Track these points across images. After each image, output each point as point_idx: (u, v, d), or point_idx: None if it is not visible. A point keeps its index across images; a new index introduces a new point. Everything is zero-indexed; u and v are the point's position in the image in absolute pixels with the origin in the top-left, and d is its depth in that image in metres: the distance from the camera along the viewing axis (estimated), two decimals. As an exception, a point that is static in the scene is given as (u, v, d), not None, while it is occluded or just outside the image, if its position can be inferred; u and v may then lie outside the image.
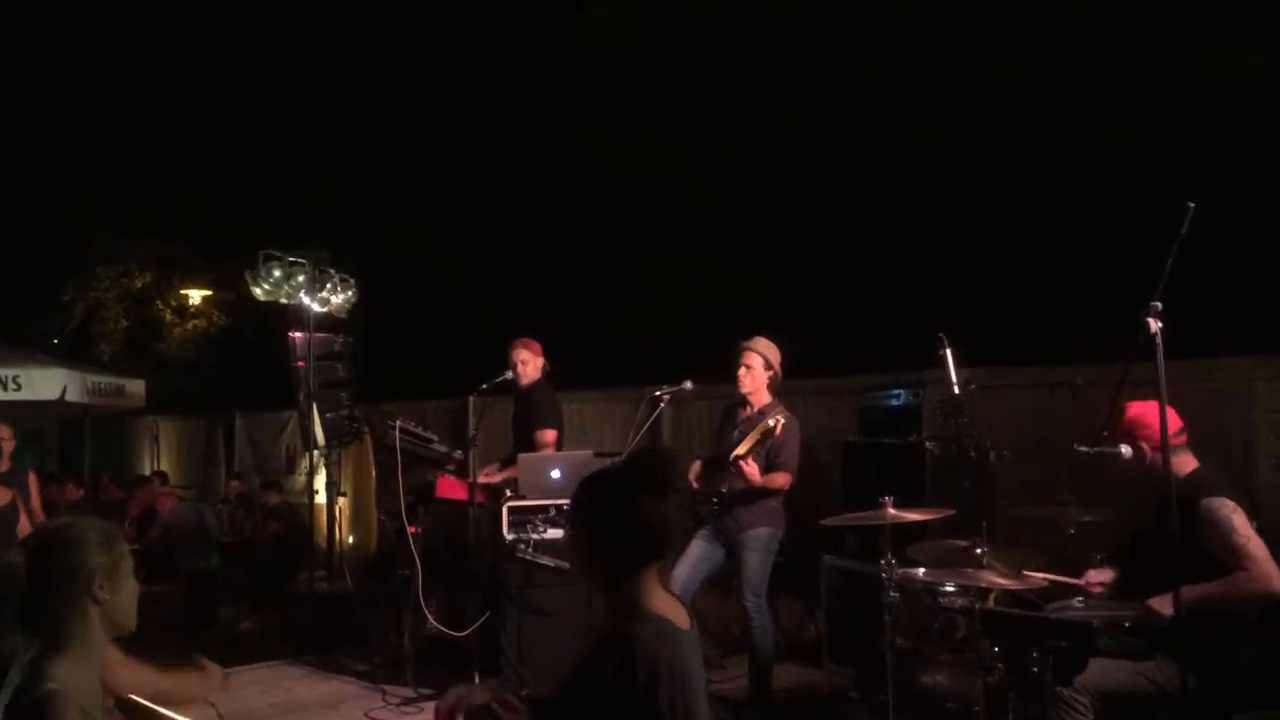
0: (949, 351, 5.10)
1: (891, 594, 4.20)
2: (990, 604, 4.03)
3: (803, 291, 10.59)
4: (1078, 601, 3.96)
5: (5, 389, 9.09)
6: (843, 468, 6.48)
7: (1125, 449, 3.83)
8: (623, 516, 2.26)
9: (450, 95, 15.65)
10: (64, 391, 9.37)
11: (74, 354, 15.52)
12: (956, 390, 5.09)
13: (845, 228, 10.72)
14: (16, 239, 18.16)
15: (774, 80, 11.63)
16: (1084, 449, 3.85)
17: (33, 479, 7.19)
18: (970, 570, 4.02)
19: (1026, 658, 3.56)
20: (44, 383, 9.32)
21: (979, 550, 4.07)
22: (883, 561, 4.27)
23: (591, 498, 2.34)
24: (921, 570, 4.32)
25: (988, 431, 5.96)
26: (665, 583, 2.34)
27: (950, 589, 4.16)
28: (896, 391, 6.31)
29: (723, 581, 6.19)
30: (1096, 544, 4.48)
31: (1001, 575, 3.92)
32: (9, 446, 7.14)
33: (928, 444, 5.85)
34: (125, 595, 2.36)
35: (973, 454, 5.53)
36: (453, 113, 15.64)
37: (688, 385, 6.22)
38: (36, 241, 18.08)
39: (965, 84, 9.89)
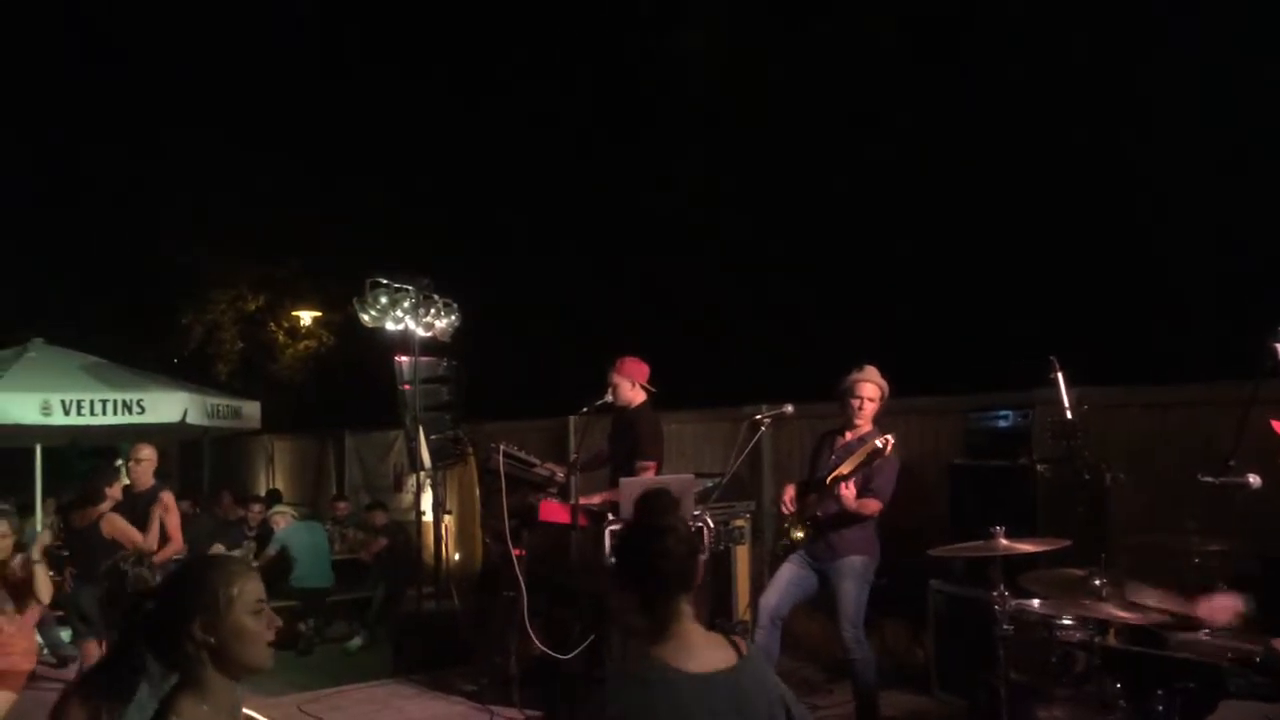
0: (1060, 375, 4.96)
1: (1005, 627, 4.08)
2: (1111, 639, 3.89)
3: (901, 309, 10.43)
4: (1205, 635, 3.80)
5: (130, 412, 9.45)
6: (949, 491, 6.35)
7: (1254, 479, 3.66)
8: (632, 560, 2.38)
9: (544, 116, 15.86)
10: (185, 414, 9.69)
11: (193, 375, 16.14)
12: (1070, 415, 4.93)
13: (947, 243, 10.53)
14: (138, 265, 19.01)
15: (874, 91, 11.50)
16: (1208, 479, 3.69)
17: (168, 498, 7.23)
18: (1088, 602, 3.89)
19: (1151, 698, 3.43)
20: (166, 406, 9.66)
21: (1097, 581, 3.93)
22: (995, 593, 4.15)
23: (616, 544, 2.47)
24: (1036, 602, 4.19)
25: (1101, 454, 5.76)
26: (702, 619, 2.40)
27: (1067, 622, 4.03)
28: (1004, 412, 6.15)
29: (826, 605, 6.12)
30: (1221, 573, 4.30)
31: (1122, 608, 3.78)
32: (151, 465, 7.29)
33: (1039, 467, 5.69)
34: (236, 636, 2.26)
35: (1087, 477, 5.35)
36: (548, 132, 15.85)
37: (788, 409, 6.19)
38: (157, 267, 18.86)
39: (1076, 97, 9.63)
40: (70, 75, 19.91)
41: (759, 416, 6.30)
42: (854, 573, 5.48)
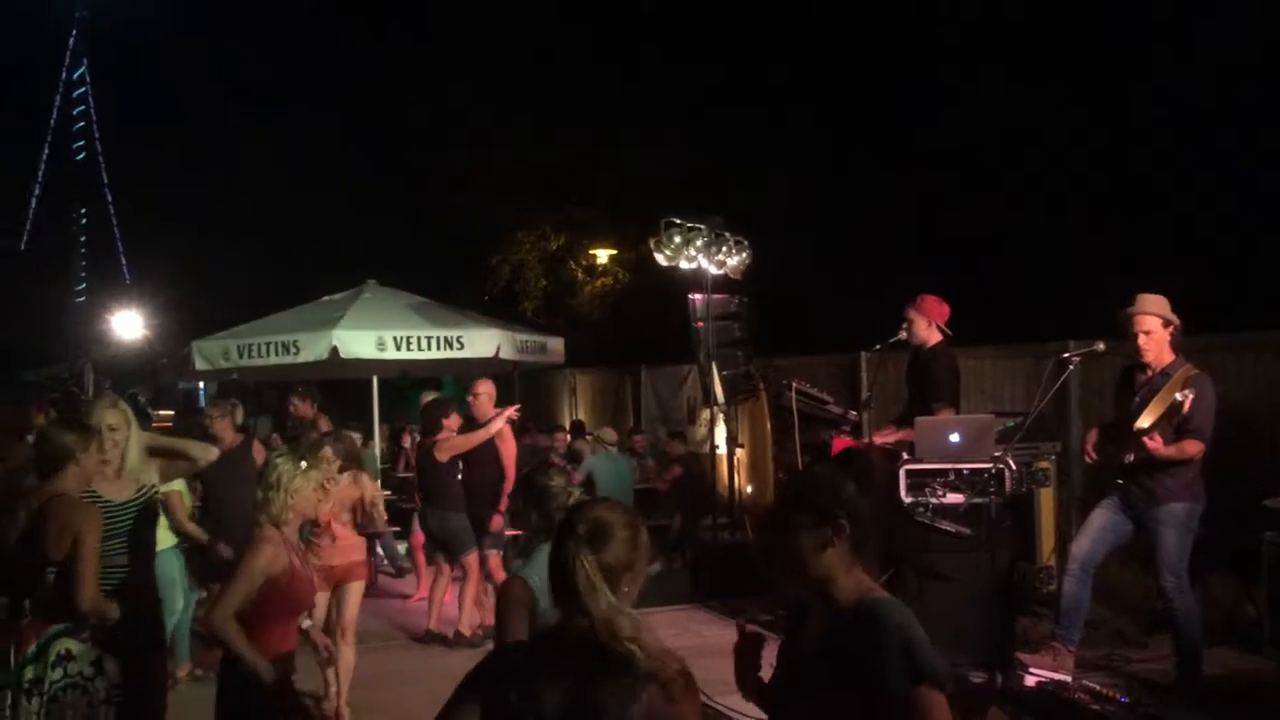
0: None
1: (1354, 588, 3.69)
2: None
3: (1222, 238, 9.40)
4: None
5: (451, 348, 10.22)
6: (1290, 436, 5.76)
7: None
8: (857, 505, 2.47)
9: (833, 57, 15.43)
10: (498, 350, 10.37)
11: (500, 312, 17.27)
12: None
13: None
14: (456, 213, 20.61)
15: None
16: None
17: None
18: None
19: None
20: (482, 342, 10.36)
21: None
22: (1343, 551, 3.76)
23: (843, 488, 2.53)
24: (1394, 563, 3.76)
25: None
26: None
27: None
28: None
29: (1143, 553, 5.76)
30: None
31: None
32: (490, 399, 7.75)
33: (1403, 411, 5.05)
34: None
35: None
36: (836, 72, 15.44)
37: (1100, 346, 5.82)
38: (470, 213, 20.33)
39: None
40: (403, 53, 21.92)
41: (1066, 355, 5.97)
42: (1175, 520, 5.14)
